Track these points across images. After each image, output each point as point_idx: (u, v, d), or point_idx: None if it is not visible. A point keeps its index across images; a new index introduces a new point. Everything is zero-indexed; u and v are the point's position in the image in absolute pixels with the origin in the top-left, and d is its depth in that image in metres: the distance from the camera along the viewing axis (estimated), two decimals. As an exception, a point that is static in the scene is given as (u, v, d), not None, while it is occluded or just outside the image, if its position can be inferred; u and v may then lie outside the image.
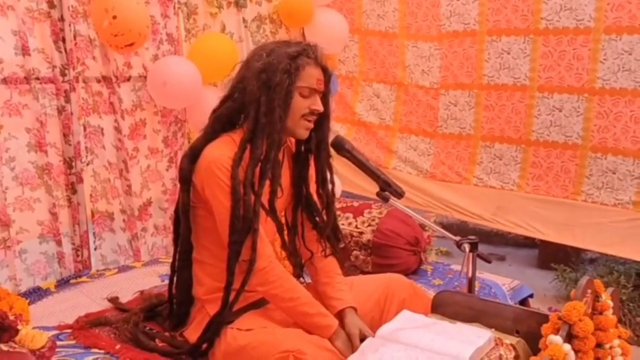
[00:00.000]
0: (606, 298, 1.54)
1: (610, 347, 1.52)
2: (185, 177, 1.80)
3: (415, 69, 3.62)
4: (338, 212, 2.77)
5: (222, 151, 1.73)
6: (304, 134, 1.81)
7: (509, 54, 3.26)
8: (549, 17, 3.09)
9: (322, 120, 1.84)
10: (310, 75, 1.75)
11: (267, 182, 1.73)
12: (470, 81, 3.42)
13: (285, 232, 1.93)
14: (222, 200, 1.70)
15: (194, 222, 1.84)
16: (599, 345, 1.48)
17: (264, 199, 1.73)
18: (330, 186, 1.90)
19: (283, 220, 1.95)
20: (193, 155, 1.79)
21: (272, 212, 1.77)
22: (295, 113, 1.75)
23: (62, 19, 2.55)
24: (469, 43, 3.38)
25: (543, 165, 3.27)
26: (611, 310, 1.54)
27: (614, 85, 2.98)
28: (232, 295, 1.70)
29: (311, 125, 1.80)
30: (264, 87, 1.71)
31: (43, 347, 1.51)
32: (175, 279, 1.94)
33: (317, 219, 1.93)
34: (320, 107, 1.78)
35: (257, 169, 1.71)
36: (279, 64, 1.71)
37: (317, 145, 1.87)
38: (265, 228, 1.78)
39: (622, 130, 2.99)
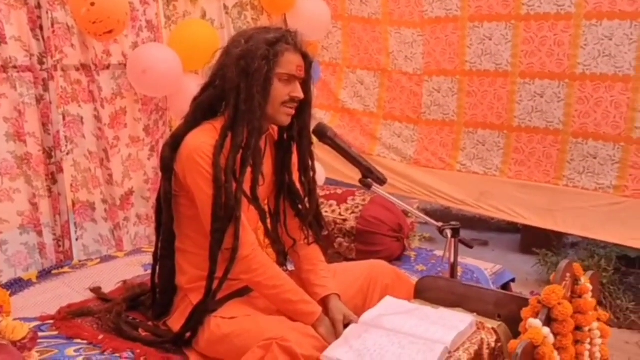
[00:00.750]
0: (585, 281, 1.57)
1: (589, 330, 1.54)
2: (167, 166, 1.79)
3: (399, 56, 3.62)
4: (322, 200, 2.77)
5: (203, 139, 1.72)
6: (285, 120, 1.80)
7: (490, 40, 3.27)
8: (530, 3, 3.10)
9: (303, 107, 1.83)
10: (290, 62, 1.74)
11: (249, 170, 1.73)
12: (453, 67, 3.43)
13: (268, 220, 1.93)
14: (204, 188, 1.69)
15: (176, 210, 1.83)
16: (578, 328, 1.51)
17: (246, 187, 1.73)
18: (312, 173, 1.90)
19: (266, 208, 1.94)
20: (174, 143, 1.78)
21: (254, 200, 1.77)
22: (275, 100, 1.74)
23: (39, 6, 2.50)
24: (452, 29, 3.39)
25: (525, 150, 3.30)
26: (590, 294, 1.56)
27: (594, 71, 3.00)
28: (215, 283, 1.70)
29: (292, 112, 1.79)
30: (243, 74, 1.70)
31: (24, 338, 1.49)
32: (158, 268, 1.93)
33: (299, 206, 1.93)
34: (300, 94, 1.77)
35: (239, 157, 1.70)
36: (257, 50, 1.70)
37: (299, 133, 1.86)
38: (248, 216, 1.77)
39: (602, 115, 3.02)
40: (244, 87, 1.70)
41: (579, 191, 3.15)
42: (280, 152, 1.91)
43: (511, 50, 3.21)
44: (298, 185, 1.92)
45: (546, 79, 3.14)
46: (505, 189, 3.37)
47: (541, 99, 3.18)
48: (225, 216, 1.67)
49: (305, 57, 1.79)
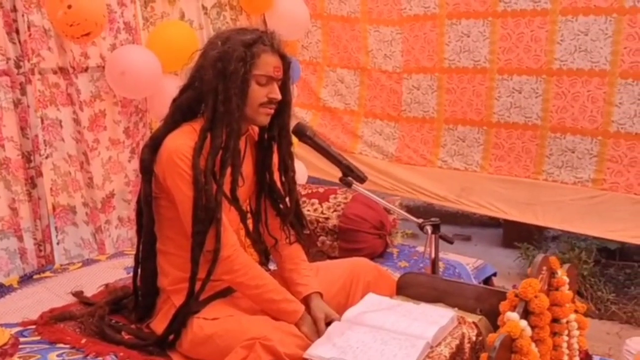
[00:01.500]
0: (562, 274, 1.59)
1: (567, 322, 1.57)
2: (147, 168, 1.79)
3: (378, 54, 3.64)
4: (304, 199, 2.78)
5: (182, 140, 1.72)
6: (264, 120, 1.80)
7: (468, 37, 3.30)
8: (506, 0, 3.13)
9: (282, 108, 1.83)
10: (267, 63, 1.74)
11: (229, 171, 1.73)
12: (431, 65, 3.45)
13: (249, 221, 1.93)
14: (184, 189, 1.69)
15: (156, 212, 1.83)
16: (555, 320, 1.53)
17: (226, 188, 1.73)
18: (292, 173, 1.91)
19: (247, 208, 1.95)
20: (154, 145, 1.78)
21: (234, 201, 1.77)
22: (253, 101, 1.75)
23: (14, 9, 2.47)
24: (430, 27, 3.41)
25: (505, 146, 3.33)
26: (567, 286, 1.58)
27: (571, 66, 3.04)
28: (198, 285, 1.70)
29: (271, 112, 1.80)
30: (220, 75, 1.70)
31: (5, 344, 1.50)
32: (139, 270, 1.93)
33: (280, 206, 1.94)
34: (278, 95, 1.78)
35: (218, 158, 1.70)
36: (234, 52, 1.70)
37: (279, 133, 1.87)
38: (229, 217, 1.78)
39: (579, 110, 3.06)
40: (222, 89, 1.70)
41: (558, 185, 3.19)
42: (260, 152, 1.92)
43: (489, 47, 3.24)
44: (279, 184, 1.93)
45: (524, 74, 3.18)
46: (485, 184, 3.41)
47: (519, 94, 3.21)
48: (205, 218, 1.67)
49: (283, 57, 1.79)
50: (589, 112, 3.04)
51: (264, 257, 2.00)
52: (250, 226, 1.94)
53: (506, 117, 3.28)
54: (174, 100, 1.83)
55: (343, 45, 3.75)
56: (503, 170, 3.36)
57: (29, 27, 2.54)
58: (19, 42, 2.50)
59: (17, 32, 2.49)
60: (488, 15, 3.20)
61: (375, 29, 3.60)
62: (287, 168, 1.90)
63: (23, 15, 2.50)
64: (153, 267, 1.88)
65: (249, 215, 1.94)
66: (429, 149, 3.59)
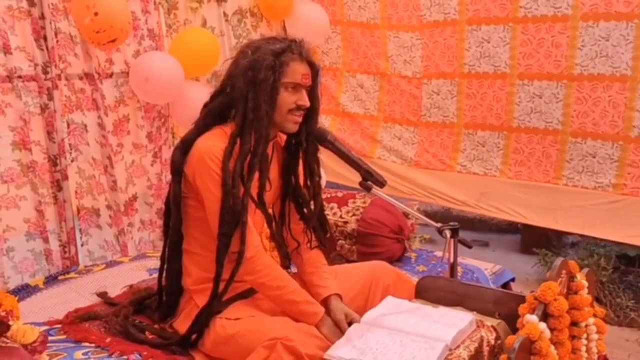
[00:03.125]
0: (581, 278, 1.59)
1: (586, 325, 1.57)
2: (177, 169, 1.84)
3: (398, 59, 3.65)
4: (323, 203, 2.80)
5: (214, 142, 1.77)
6: (292, 128, 1.84)
7: (489, 42, 3.30)
8: (527, 6, 3.13)
9: (310, 114, 1.87)
10: (295, 71, 1.78)
11: (256, 176, 1.76)
12: (451, 70, 3.46)
13: (274, 224, 1.96)
14: (213, 190, 1.74)
15: (184, 212, 1.87)
16: (574, 323, 1.54)
17: (253, 192, 1.77)
18: (317, 178, 1.94)
19: (271, 212, 1.98)
20: (184, 147, 1.83)
21: (261, 204, 1.81)
22: (282, 108, 1.79)
23: (42, 16, 2.54)
24: (450, 32, 3.42)
25: (525, 151, 3.33)
26: (586, 290, 1.59)
27: (592, 71, 3.03)
28: (221, 286, 1.73)
29: (299, 120, 1.83)
30: (250, 84, 1.75)
31: (35, 341, 1.52)
32: (165, 269, 1.97)
33: (304, 210, 1.97)
34: (306, 102, 1.81)
35: (246, 163, 1.74)
36: (264, 61, 1.75)
37: (306, 138, 1.90)
38: (254, 219, 1.82)
39: (600, 115, 3.04)
40: (252, 97, 1.75)
41: (579, 190, 3.17)
42: (287, 157, 1.95)
43: (509, 52, 3.24)
44: (304, 189, 1.95)
45: (544, 80, 3.17)
46: (505, 189, 3.40)
47: (540, 99, 3.20)
48: (232, 220, 1.71)
49: (311, 65, 1.83)
50: (610, 117, 3.02)
51: (286, 260, 2.03)
52: (274, 229, 1.97)
53: (527, 122, 3.27)
54: (206, 104, 1.89)
55: (363, 51, 3.77)
56: (523, 175, 3.35)
57: (56, 34, 2.60)
58: (47, 48, 2.56)
59: (45, 38, 2.55)
60: (508, 20, 3.20)
61: (395, 35, 3.62)
62: (312, 173, 1.93)
63: (51, 23, 2.56)
64: (178, 267, 1.92)
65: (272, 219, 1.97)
66: (448, 154, 3.59)
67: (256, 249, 1.76)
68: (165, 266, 1.96)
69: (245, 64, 1.77)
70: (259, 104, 1.74)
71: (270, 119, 1.77)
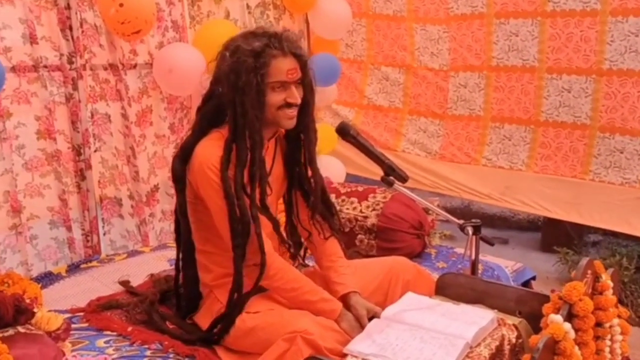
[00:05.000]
0: (606, 278, 1.56)
1: (610, 326, 1.54)
2: (179, 178, 1.82)
3: (424, 52, 3.63)
4: (343, 197, 2.79)
5: (212, 150, 1.73)
6: (288, 124, 1.79)
7: (517, 36, 3.26)
8: (555, 0, 3.08)
9: (304, 107, 1.80)
10: (279, 69, 1.71)
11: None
12: (479, 63, 3.42)
13: (283, 218, 1.95)
14: (217, 200, 1.71)
15: (194, 217, 1.85)
16: (598, 324, 1.51)
17: (256, 198, 1.74)
18: (315, 165, 1.90)
19: (278, 208, 1.96)
20: (183, 155, 1.81)
21: (264, 210, 1.78)
22: (271, 107, 1.73)
23: (68, 7, 2.56)
24: (477, 26, 3.38)
25: (552, 145, 3.29)
26: (611, 291, 1.55)
27: (621, 67, 2.98)
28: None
29: (293, 114, 1.77)
30: (234, 88, 1.69)
31: (58, 329, 1.54)
32: (180, 277, 1.97)
33: (311, 197, 1.93)
34: (295, 99, 1.75)
35: (246, 172, 1.71)
36: (244, 63, 1.68)
37: (303, 130, 1.86)
38: (262, 223, 1.77)
39: (629, 110, 3.00)
40: (239, 102, 1.69)
41: (605, 185, 3.14)
42: (288, 147, 1.93)
43: (538, 46, 3.20)
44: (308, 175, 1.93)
45: (573, 74, 3.13)
46: (530, 183, 3.37)
47: (568, 94, 3.16)
48: (243, 231, 1.69)
49: (297, 57, 1.74)
50: (638, 113, 2.98)
51: (300, 259, 2.03)
52: (283, 232, 1.93)
53: (555, 116, 3.23)
54: (199, 109, 1.85)
55: (388, 44, 3.74)
56: (549, 169, 3.31)
57: (81, 25, 2.62)
58: (72, 38, 2.59)
59: (71, 29, 2.58)
60: (537, 15, 3.15)
61: (421, 28, 3.58)
62: (312, 161, 1.89)
63: (76, 13, 2.59)
64: (193, 274, 1.91)
65: (279, 219, 1.94)
66: (474, 147, 3.56)
67: (268, 254, 1.73)
68: (181, 274, 1.96)
69: (226, 68, 1.71)
70: (246, 110, 1.68)
71: (261, 122, 1.72)
